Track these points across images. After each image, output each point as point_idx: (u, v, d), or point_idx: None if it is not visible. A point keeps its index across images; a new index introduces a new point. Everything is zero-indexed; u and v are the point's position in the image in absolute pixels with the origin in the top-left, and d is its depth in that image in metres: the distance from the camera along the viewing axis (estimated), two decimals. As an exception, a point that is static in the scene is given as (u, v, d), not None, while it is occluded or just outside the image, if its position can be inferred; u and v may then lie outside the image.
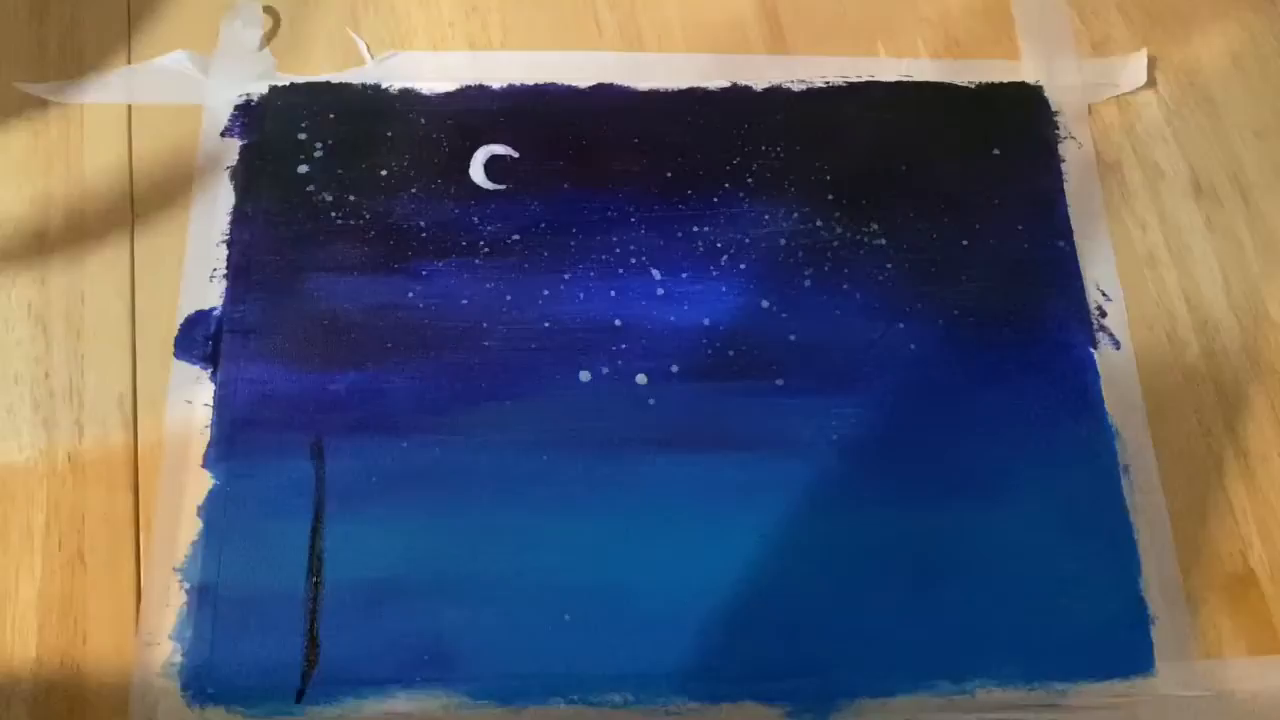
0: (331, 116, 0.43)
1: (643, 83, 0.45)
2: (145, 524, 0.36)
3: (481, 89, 0.44)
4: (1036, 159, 0.44)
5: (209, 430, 0.38)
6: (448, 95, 0.44)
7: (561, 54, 0.45)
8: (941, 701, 0.36)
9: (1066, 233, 0.43)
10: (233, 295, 0.40)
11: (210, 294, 0.40)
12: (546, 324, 0.40)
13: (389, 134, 0.43)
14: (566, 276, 0.41)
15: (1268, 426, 0.41)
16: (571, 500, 0.37)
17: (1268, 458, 0.40)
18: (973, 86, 0.46)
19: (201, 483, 0.37)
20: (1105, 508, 0.38)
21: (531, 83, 0.44)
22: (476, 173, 0.42)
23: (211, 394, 0.38)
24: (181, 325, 0.39)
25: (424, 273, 0.40)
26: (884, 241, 0.42)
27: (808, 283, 0.41)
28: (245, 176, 0.42)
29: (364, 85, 0.44)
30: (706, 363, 0.40)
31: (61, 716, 0.34)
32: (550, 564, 0.36)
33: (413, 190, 0.42)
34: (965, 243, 0.42)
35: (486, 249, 0.41)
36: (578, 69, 0.45)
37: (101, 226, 0.41)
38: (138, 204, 0.41)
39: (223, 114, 0.43)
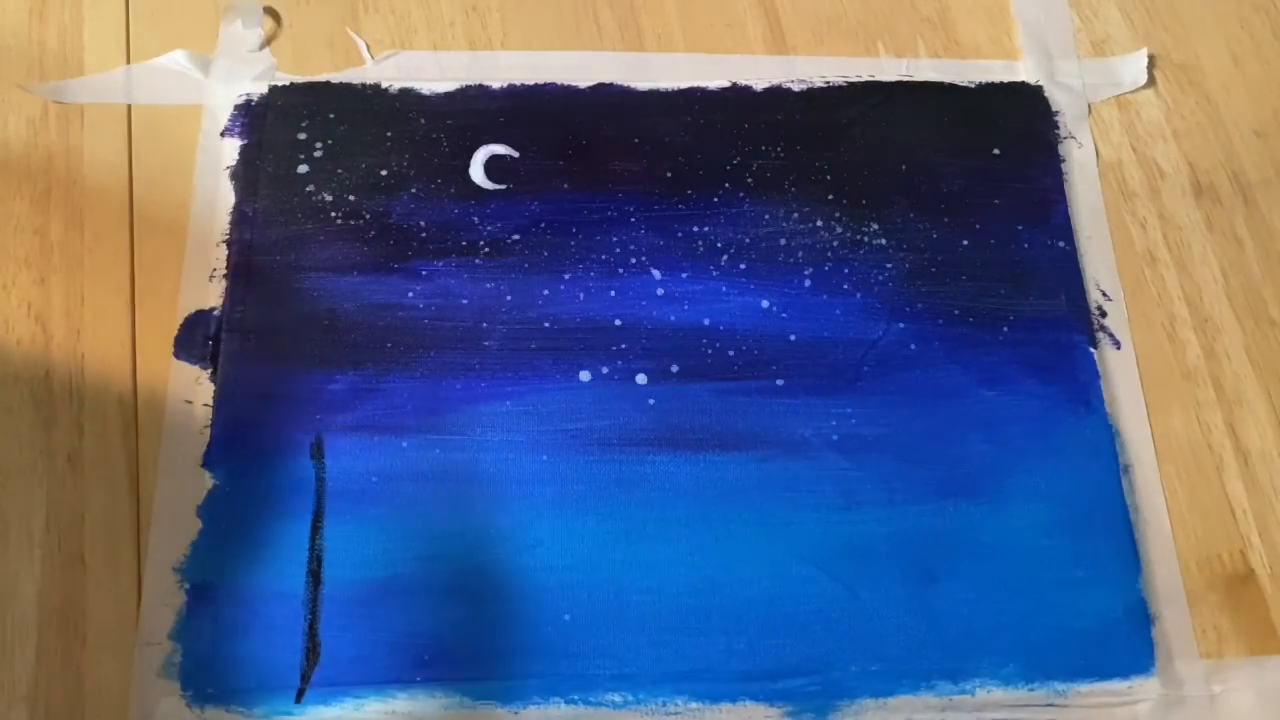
0: (331, 116, 0.43)
1: (643, 83, 0.45)
2: (145, 524, 0.36)
3: (481, 89, 0.44)
4: (1036, 159, 0.44)
5: (209, 430, 0.38)
6: (448, 95, 0.44)
7: (561, 54, 0.45)
8: (941, 701, 0.36)
9: (1066, 233, 0.43)
10: (233, 295, 0.40)
11: (210, 294, 0.40)
12: (546, 324, 0.40)
13: (389, 134, 0.43)
14: (566, 276, 0.41)
15: (1268, 426, 0.41)
16: (571, 500, 0.37)
17: (1268, 457, 0.40)
18: (973, 86, 0.46)
19: (201, 483, 0.37)
20: (1105, 508, 0.38)
21: (531, 83, 0.44)
22: (476, 173, 0.42)
23: (211, 394, 0.38)
24: (181, 325, 0.39)
25: (424, 273, 0.40)
26: (884, 241, 0.42)
27: (808, 283, 0.41)
28: (245, 176, 0.42)
29: (364, 85, 0.44)
30: (706, 363, 0.40)
31: (61, 716, 0.34)
32: (550, 564, 0.36)
33: (413, 190, 0.42)
34: (965, 243, 0.42)
35: (486, 249, 0.41)
36: (578, 69, 0.45)
37: (101, 226, 0.41)
38: (138, 204, 0.41)
39: (223, 114, 0.43)
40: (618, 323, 0.40)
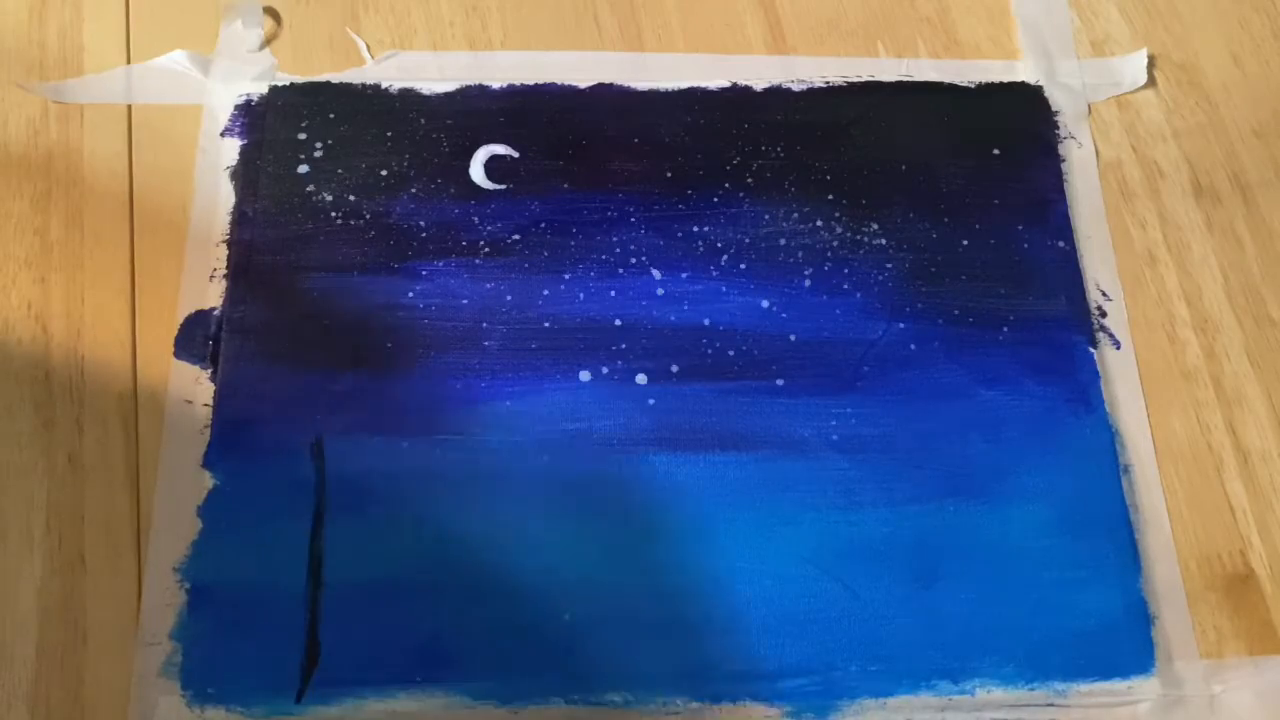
0: (331, 116, 0.43)
1: (643, 83, 0.45)
2: (145, 524, 0.36)
3: (481, 89, 0.44)
4: (1036, 159, 0.44)
5: (209, 430, 0.38)
6: (448, 95, 0.44)
7: (561, 54, 0.45)
8: (941, 701, 0.36)
9: (1066, 233, 0.43)
10: (233, 295, 0.40)
11: (210, 294, 0.40)
12: (546, 324, 0.40)
13: (389, 134, 0.43)
14: (566, 276, 0.41)
15: (1268, 426, 0.41)
16: (571, 500, 0.37)
17: (1268, 457, 0.40)
18: (973, 86, 0.46)
19: (201, 483, 0.37)
20: (1105, 508, 0.38)
21: (531, 83, 0.44)
22: (476, 173, 0.42)
23: (211, 394, 0.38)
24: (181, 325, 0.39)
25: (424, 273, 0.40)
26: (884, 241, 0.42)
27: (808, 283, 0.41)
28: (245, 176, 0.42)
29: (364, 85, 0.44)
30: (706, 363, 0.40)
31: (61, 716, 0.34)
32: (550, 564, 0.36)
33: (413, 190, 0.42)
34: (965, 243, 0.42)
35: (486, 249, 0.41)
36: (578, 69, 0.45)
37: (101, 226, 0.41)
38: (138, 204, 0.41)
39: (223, 114, 0.43)
40: (618, 323, 0.40)
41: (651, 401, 0.39)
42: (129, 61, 0.44)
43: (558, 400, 0.39)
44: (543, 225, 0.42)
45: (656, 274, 0.41)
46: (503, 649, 0.35)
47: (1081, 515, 0.38)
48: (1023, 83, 0.46)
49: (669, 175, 0.43)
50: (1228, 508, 0.39)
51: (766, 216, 0.42)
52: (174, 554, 0.36)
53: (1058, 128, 0.45)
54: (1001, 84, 0.46)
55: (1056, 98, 0.46)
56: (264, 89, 0.43)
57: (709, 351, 0.40)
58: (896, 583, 0.37)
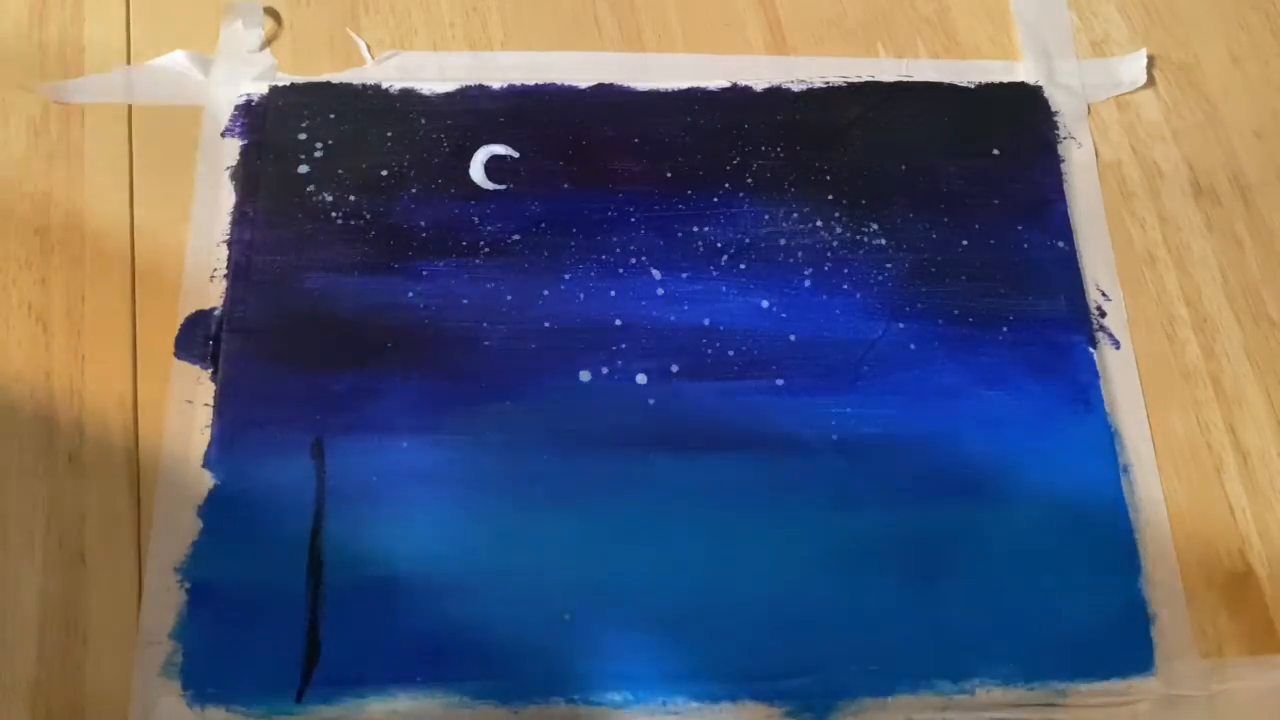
0: (331, 116, 0.43)
1: (643, 83, 0.45)
2: (145, 524, 0.36)
3: (481, 89, 0.44)
4: (1036, 159, 0.44)
5: (209, 430, 0.38)
6: (448, 95, 0.44)
7: (561, 54, 0.45)
8: (941, 701, 0.36)
9: (1066, 233, 0.43)
10: (233, 295, 0.40)
11: (210, 294, 0.40)
12: (546, 324, 0.40)
13: (389, 134, 0.43)
14: (566, 276, 0.41)
15: (1267, 426, 0.41)
16: (571, 500, 0.37)
17: (1267, 457, 0.40)
18: (973, 86, 0.46)
19: (201, 483, 0.37)
20: (1105, 508, 0.38)
21: (531, 83, 0.44)
22: (476, 173, 0.42)
23: (211, 394, 0.38)
24: (181, 325, 0.39)
25: (424, 273, 0.40)
26: (884, 241, 0.42)
27: (808, 283, 0.41)
28: (245, 176, 0.42)
29: (364, 85, 0.44)
30: (706, 363, 0.40)
31: (61, 716, 0.34)
32: (550, 564, 0.36)
33: (413, 190, 0.42)
34: (965, 243, 0.42)
35: (486, 249, 0.41)
36: (578, 69, 0.45)
37: (101, 226, 0.41)
38: (138, 204, 0.41)
39: (223, 114, 0.43)
40: (618, 323, 0.40)
41: (651, 401, 0.39)
42: (129, 61, 0.44)
43: (558, 400, 0.39)
44: (543, 225, 0.42)
45: (656, 274, 0.41)
46: (503, 649, 0.35)
47: (1081, 515, 0.38)
48: (1022, 83, 0.46)
49: (669, 175, 0.43)
50: (1227, 507, 0.39)
51: (766, 216, 0.42)
52: (174, 554, 0.36)
53: (1057, 128, 0.45)
54: (1001, 84, 0.46)
55: (1056, 98, 0.46)
56: (264, 89, 0.43)
57: (709, 351, 0.40)
58: (896, 583, 0.37)
